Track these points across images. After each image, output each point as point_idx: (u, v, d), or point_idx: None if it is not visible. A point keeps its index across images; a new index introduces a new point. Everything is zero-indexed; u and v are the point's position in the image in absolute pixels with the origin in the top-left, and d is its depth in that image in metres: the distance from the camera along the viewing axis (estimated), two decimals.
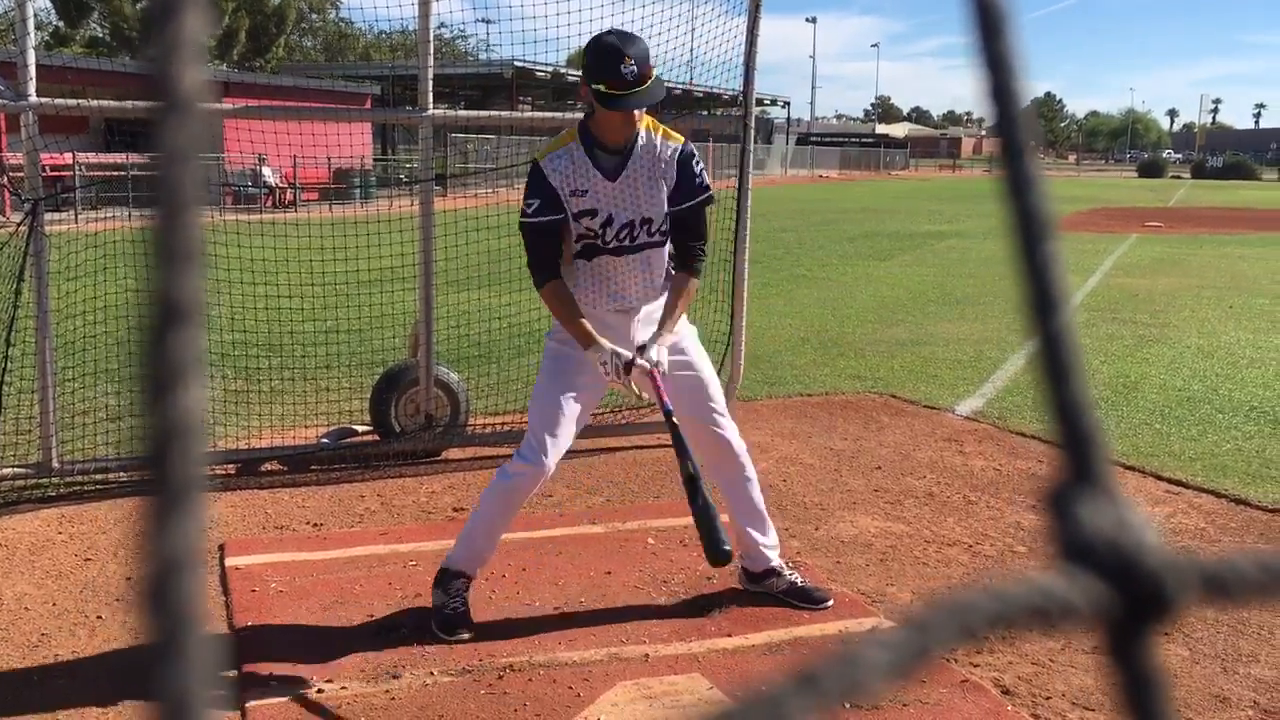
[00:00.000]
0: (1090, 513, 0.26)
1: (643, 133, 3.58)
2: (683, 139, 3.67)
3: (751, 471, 3.84)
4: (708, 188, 3.67)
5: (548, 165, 3.56)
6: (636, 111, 3.50)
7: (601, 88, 3.40)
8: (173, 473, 0.19)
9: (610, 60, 3.38)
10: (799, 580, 3.89)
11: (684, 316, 3.76)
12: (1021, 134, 0.27)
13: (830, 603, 3.83)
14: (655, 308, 3.72)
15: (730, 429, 3.79)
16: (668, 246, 3.70)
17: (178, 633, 0.18)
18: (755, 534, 3.85)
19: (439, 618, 3.58)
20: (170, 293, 0.20)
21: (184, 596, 0.18)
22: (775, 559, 3.89)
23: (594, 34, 3.67)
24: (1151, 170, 78.50)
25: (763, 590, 3.88)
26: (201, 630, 0.19)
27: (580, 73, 3.56)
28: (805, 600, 3.83)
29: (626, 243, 3.60)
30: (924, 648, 0.23)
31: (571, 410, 3.60)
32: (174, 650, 0.18)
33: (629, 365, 3.47)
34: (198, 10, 0.21)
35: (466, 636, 3.54)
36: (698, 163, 3.64)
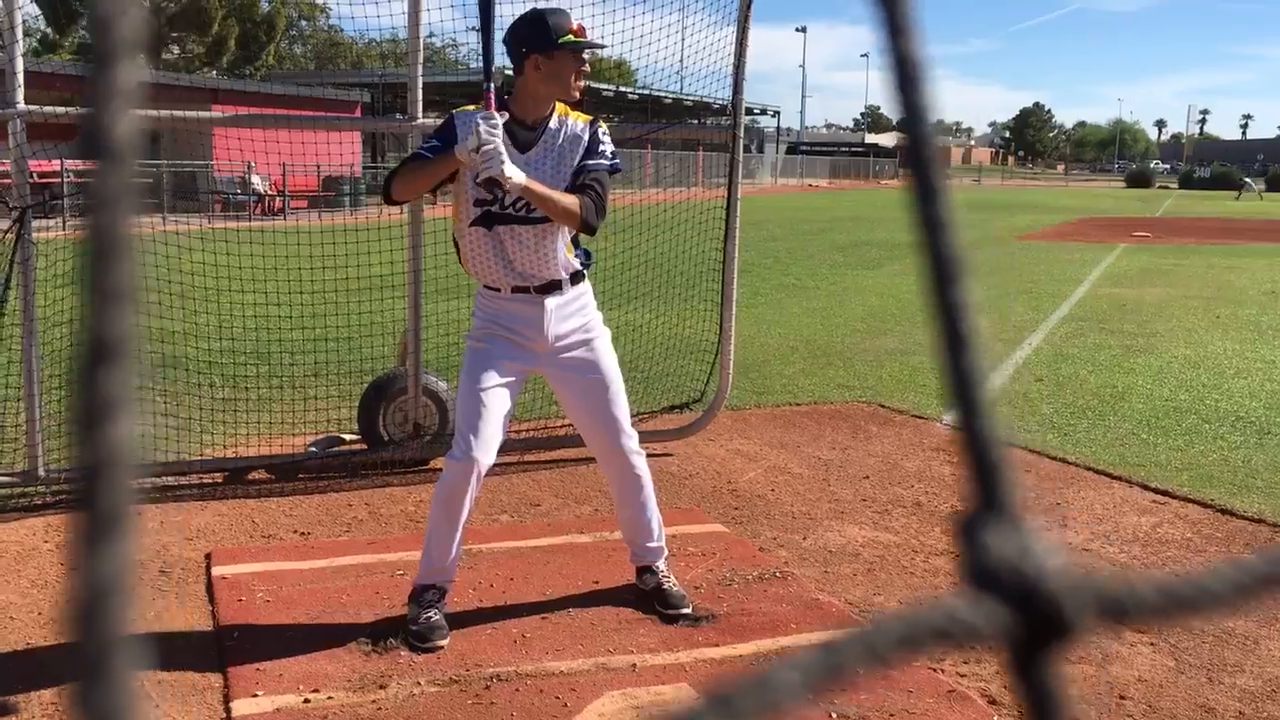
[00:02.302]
0: (996, 540, 0.27)
1: (556, 116, 3.71)
2: (592, 117, 3.79)
3: (647, 483, 3.90)
4: (614, 158, 3.76)
5: (460, 118, 3.65)
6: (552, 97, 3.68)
7: (570, 37, 3.60)
8: (102, 502, 0.20)
9: (560, 17, 3.64)
10: (665, 584, 3.94)
11: (599, 316, 3.88)
12: (933, 176, 0.28)
13: (686, 610, 3.85)
14: (565, 302, 3.76)
15: (629, 441, 3.85)
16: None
17: (104, 657, 0.19)
18: (641, 540, 3.96)
19: (410, 631, 3.59)
20: (100, 331, 0.21)
21: (111, 621, 0.19)
22: (654, 561, 3.97)
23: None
24: (1139, 180, 78.90)
25: (640, 584, 3.98)
26: (128, 655, 0.20)
27: (522, 49, 3.64)
28: (661, 604, 3.88)
29: (524, 212, 3.66)
30: (833, 668, 0.24)
31: (494, 403, 3.65)
32: (101, 674, 0.19)
33: (486, 176, 3.43)
34: (132, 62, 0.22)
35: (441, 645, 3.55)
36: (605, 134, 3.76)
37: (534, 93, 3.66)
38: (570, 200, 3.57)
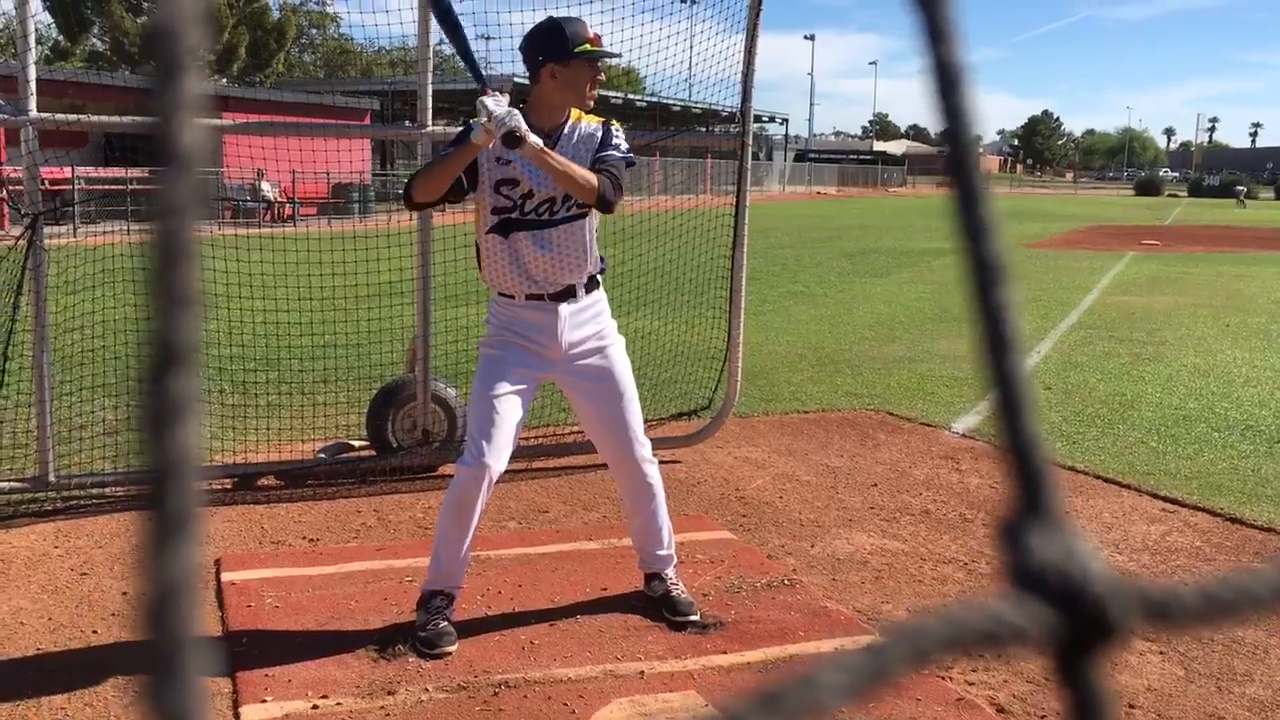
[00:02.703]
0: (1040, 543, 0.27)
1: (570, 121, 3.75)
2: (605, 118, 3.82)
3: (658, 491, 3.91)
4: (628, 152, 3.79)
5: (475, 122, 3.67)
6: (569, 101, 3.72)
7: (587, 46, 3.63)
8: (171, 504, 0.20)
9: (577, 26, 3.67)
10: (673, 591, 3.94)
11: (613, 324, 3.89)
12: (975, 182, 0.28)
13: (694, 617, 3.85)
14: (580, 309, 3.77)
15: (642, 450, 3.85)
16: (589, 228, 3.77)
17: (175, 656, 0.19)
18: (650, 548, 3.97)
19: (418, 637, 3.59)
20: (168, 336, 0.21)
21: (181, 621, 0.20)
22: (663, 568, 3.97)
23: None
24: (1148, 188, 78.80)
25: (649, 591, 3.98)
26: (198, 654, 0.20)
27: (538, 57, 3.66)
28: (670, 610, 3.88)
29: (545, 216, 3.69)
30: (880, 670, 0.24)
31: (506, 410, 3.66)
32: (171, 673, 0.19)
33: (506, 128, 3.42)
34: (198, 72, 0.23)
35: (449, 651, 3.55)
36: (618, 131, 3.79)
37: (549, 101, 3.68)
38: (587, 173, 3.58)
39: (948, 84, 0.28)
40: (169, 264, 0.21)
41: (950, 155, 0.28)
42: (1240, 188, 65.80)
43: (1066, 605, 0.26)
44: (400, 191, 3.93)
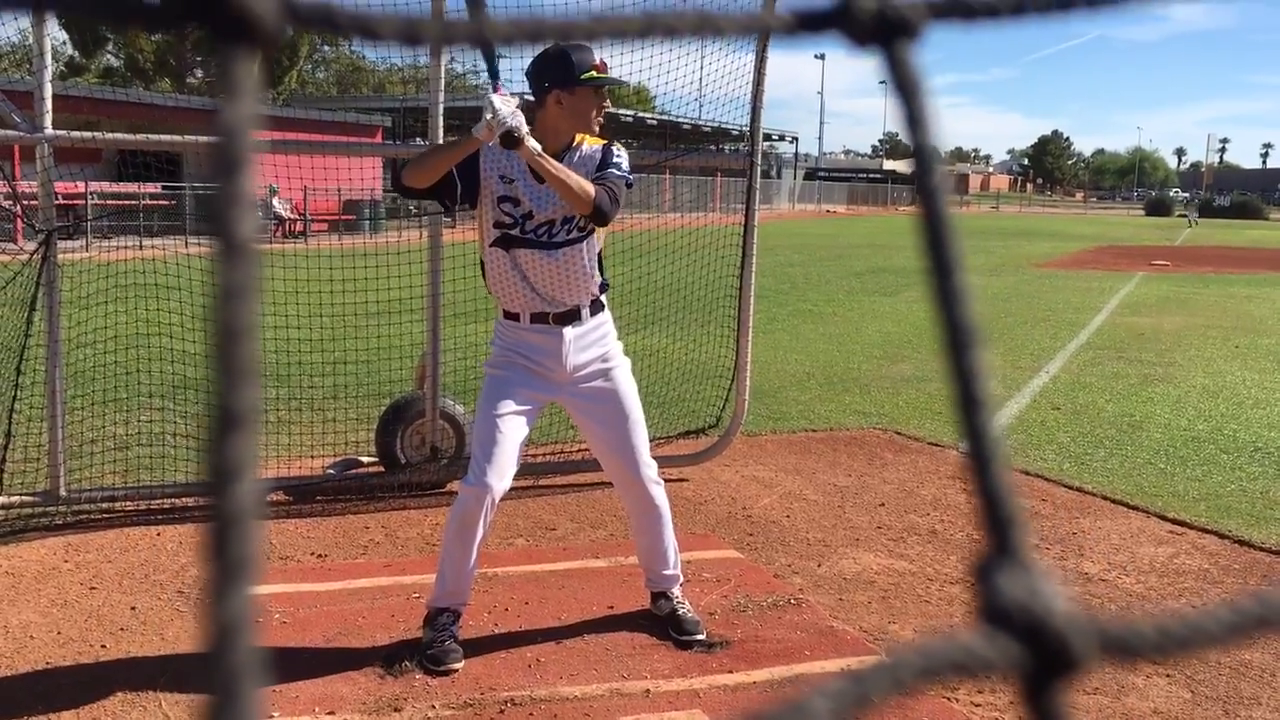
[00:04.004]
0: (1008, 582, 0.29)
1: (574, 142, 3.77)
2: (607, 140, 3.85)
3: (665, 512, 3.94)
4: (627, 173, 3.80)
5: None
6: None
7: (593, 74, 3.64)
8: (231, 552, 0.22)
9: (584, 54, 3.64)
10: (679, 610, 3.96)
11: (619, 345, 3.91)
12: (949, 251, 0.31)
13: (700, 636, 3.87)
14: (584, 332, 3.80)
15: (648, 470, 3.88)
16: (589, 251, 3.78)
17: (235, 688, 0.22)
18: (657, 567, 3.99)
19: (425, 654, 3.61)
20: (228, 404, 0.24)
21: (241, 656, 0.22)
22: (669, 587, 4.00)
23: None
24: (1159, 208, 78.72)
25: (655, 610, 4.00)
26: (254, 687, 0.23)
27: (544, 83, 3.68)
28: (676, 629, 3.90)
29: (544, 239, 3.73)
30: (860, 697, 0.26)
31: (509, 430, 3.69)
32: (231, 701, 0.22)
33: (506, 127, 3.45)
34: (253, 167, 0.25)
35: (456, 668, 3.57)
36: (620, 152, 3.81)
37: (554, 126, 3.70)
38: (584, 182, 3.59)
39: (924, 165, 0.30)
40: (230, 340, 0.24)
41: (926, 222, 0.31)
42: (1189, 206, 64.26)
43: (1030, 639, 0.28)
44: (413, 209, 3.98)
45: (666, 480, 4.03)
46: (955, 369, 0.30)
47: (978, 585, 0.30)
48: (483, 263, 3.87)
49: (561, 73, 3.63)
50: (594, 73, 3.66)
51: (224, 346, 0.23)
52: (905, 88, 0.31)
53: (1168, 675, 3.65)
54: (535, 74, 3.71)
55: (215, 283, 0.24)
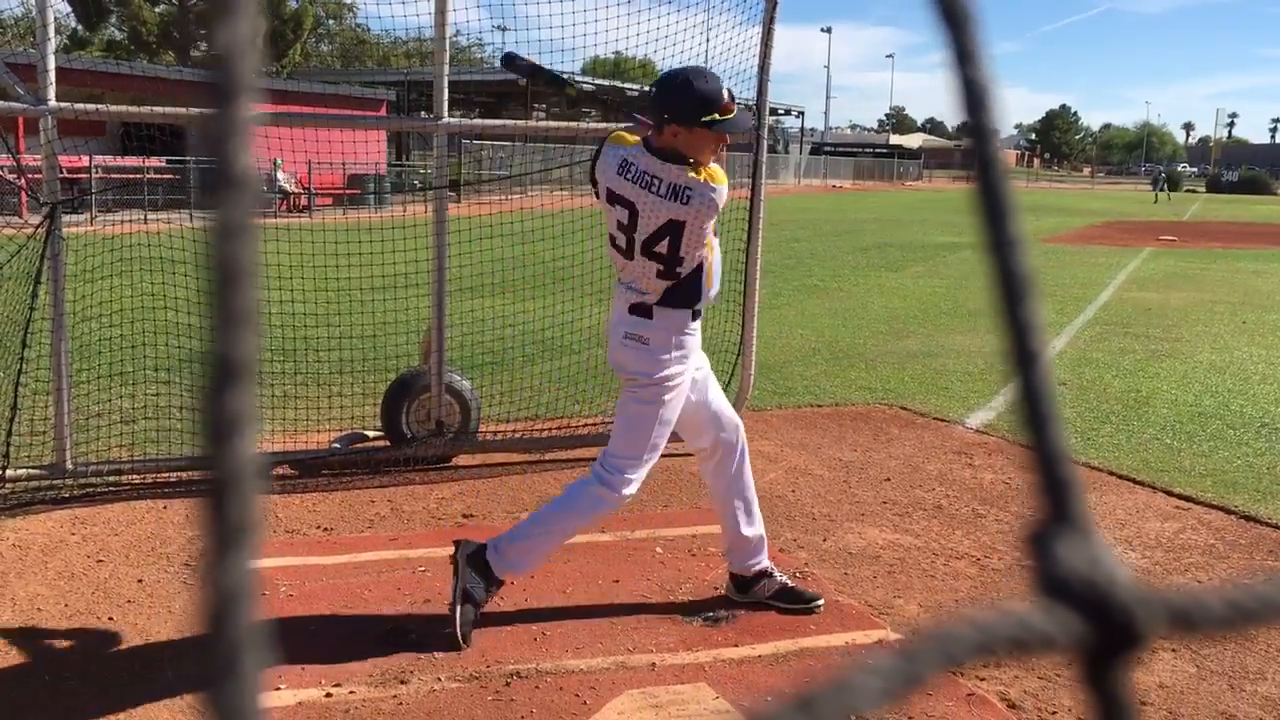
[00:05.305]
0: (1067, 551, 0.27)
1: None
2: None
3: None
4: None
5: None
6: None
7: (715, 116, 3.50)
8: (230, 515, 0.21)
9: (708, 87, 3.52)
10: (789, 582, 3.96)
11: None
12: (1003, 196, 0.29)
13: (821, 602, 3.87)
14: (618, 321, 3.70)
15: (743, 434, 3.95)
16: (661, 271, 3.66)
17: (235, 658, 0.20)
18: (751, 534, 3.94)
19: (466, 600, 3.58)
20: (227, 353, 0.22)
21: (241, 625, 0.20)
22: (765, 561, 3.97)
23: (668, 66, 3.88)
24: (1167, 183, 78.21)
25: (751, 599, 3.93)
26: (256, 655, 0.21)
27: (664, 114, 3.54)
28: (796, 602, 3.89)
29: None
30: (912, 675, 0.25)
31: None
32: (232, 674, 0.20)
33: None
34: (253, 99, 0.23)
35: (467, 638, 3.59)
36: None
37: (671, 148, 3.56)
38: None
39: (975, 104, 0.28)
40: (227, 283, 0.22)
41: (980, 174, 0.29)
42: (1163, 175, 60.66)
43: (1093, 613, 0.26)
44: (418, 183, 3.95)
45: (673, 456, 4.01)
46: (1008, 321, 0.28)
47: (1032, 555, 0.28)
48: (701, 265, 3.66)
49: (682, 110, 3.50)
50: (716, 116, 3.50)
51: (221, 290, 0.22)
52: (954, 21, 0.29)
53: (1173, 650, 3.65)
54: (657, 100, 3.58)
55: (212, 221, 0.22)
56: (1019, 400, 0.28)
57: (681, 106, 3.49)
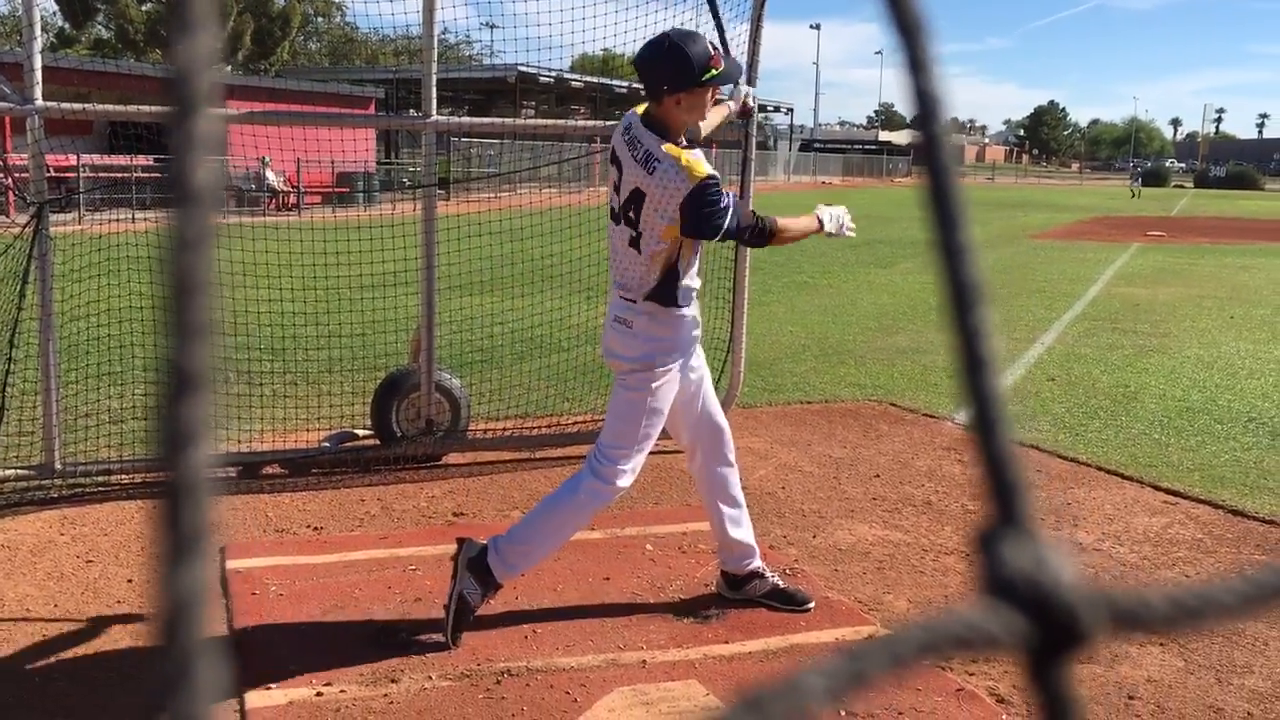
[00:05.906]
0: (1013, 552, 0.28)
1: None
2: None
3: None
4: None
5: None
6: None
7: (712, 71, 3.57)
8: (184, 523, 0.21)
9: (699, 48, 3.57)
10: (781, 583, 3.95)
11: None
12: (954, 204, 0.29)
13: (813, 604, 3.88)
14: (610, 309, 3.75)
15: (729, 439, 3.98)
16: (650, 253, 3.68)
17: (189, 666, 0.20)
18: (739, 537, 3.91)
19: (466, 598, 3.57)
20: (181, 364, 0.22)
21: (194, 633, 0.21)
22: (758, 562, 3.95)
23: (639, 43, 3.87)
24: (1154, 179, 78.49)
25: (742, 597, 3.93)
26: (211, 664, 0.21)
27: (663, 86, 3.56)
28: (788, 603, 3.88)
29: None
30: (858, 674, 0.25)
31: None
32: (186, 682, 0.20)
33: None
34: (210, 112, 0.24)
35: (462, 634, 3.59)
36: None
37: (673, 122, 3.60)
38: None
39: (926, 113, 0.28)
40: (182, 296, 0.22)
41: (931, 182, 0.29)
42: (1138, 171, 60.41)
43: (1037, 612, 0.27)
44: (407, 181, 3.93)
45: (663, 453, 4.02)
46: (958, 328, 0.29)
47: (979, 556, 0.29)
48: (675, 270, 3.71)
49: (682, 78, 3.53)
50: (712, 70, 3.57)
51: (177, 301, 0.22)
52: (907, 31, 0.29)
53: (1161, 644, 3.67)
54: (651, 76, 3.59)
55: (169, 233, 0.22)
56: (968, 404, 0.29)
57: (681, 74, 3.54)
